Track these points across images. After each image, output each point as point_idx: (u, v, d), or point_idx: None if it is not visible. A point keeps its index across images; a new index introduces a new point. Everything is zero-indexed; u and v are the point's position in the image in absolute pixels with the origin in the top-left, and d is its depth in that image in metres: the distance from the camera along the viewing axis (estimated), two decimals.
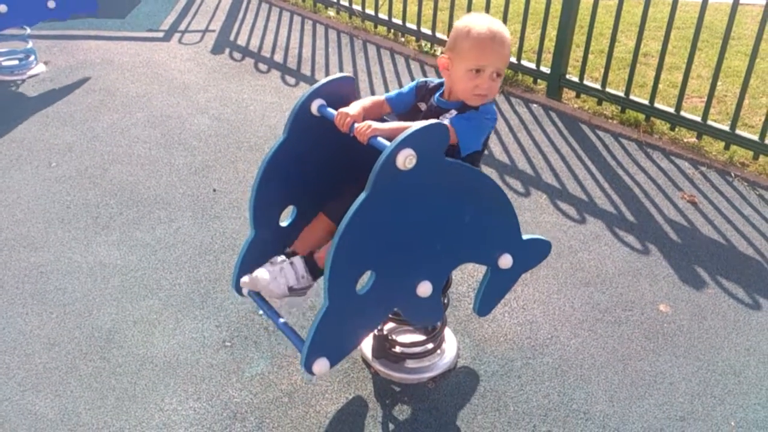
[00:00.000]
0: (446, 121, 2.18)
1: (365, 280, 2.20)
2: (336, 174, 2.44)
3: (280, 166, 2.36)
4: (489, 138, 2.35)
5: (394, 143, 1.97)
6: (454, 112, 2.26)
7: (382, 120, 2.35)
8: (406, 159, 1.98)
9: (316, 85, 2.32)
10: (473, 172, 2.21)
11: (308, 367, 2.21)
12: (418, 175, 2.04)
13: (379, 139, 2.11)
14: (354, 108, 2.27)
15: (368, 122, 2.16)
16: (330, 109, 2.29)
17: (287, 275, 2.35)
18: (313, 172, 2.43)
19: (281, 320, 2.44)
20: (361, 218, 2.03)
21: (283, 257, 2.45)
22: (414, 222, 2.15)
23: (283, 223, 2.49)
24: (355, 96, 2.40)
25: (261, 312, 2.94)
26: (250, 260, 2.48)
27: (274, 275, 2.33)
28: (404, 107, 2.42)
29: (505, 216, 2.37)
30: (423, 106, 2.38)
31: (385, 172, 1.99)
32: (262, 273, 2.33)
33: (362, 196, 2.01)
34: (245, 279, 2.43)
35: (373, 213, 2.04)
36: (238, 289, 2.52)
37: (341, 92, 2.36)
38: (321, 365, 2.22)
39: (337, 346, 2.26)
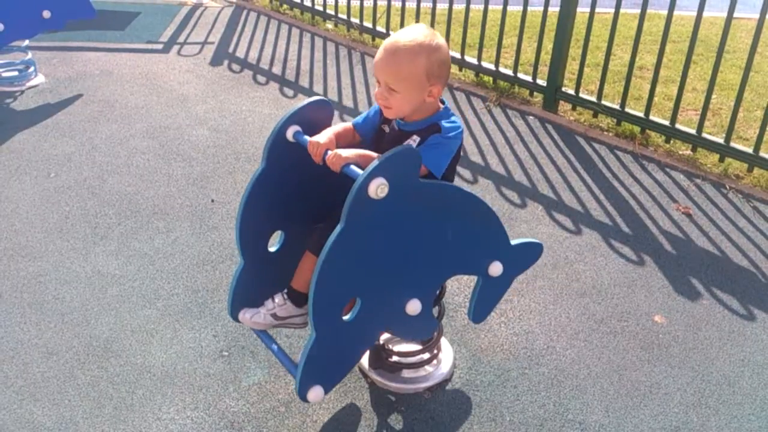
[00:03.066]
0: None
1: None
2: (320, 198, 2.43)
3: (262, 194, 2.35)
4: (461, 147, 2.30)
5: (365, 174, 1.96)
6: (416, 138, 2.21)
7: (359, 145, 2.33)
8: (378, 188, 1.97)
9: (290, 111, 2.30)
10: (449, 189, 2.19)
11: (303, 396, 2.23)
12: (393, 201, 2.02)
13: (352, 167, 2.09)
14: (324, 136, 2.23)
15: (337, 151, 2.13)
16: (306, 137, 2.26)
17: (275, 310, 2.41)
18: (296, 197, 2.42)
19: (275, 347, 2.47)
20: (339, 250, 2.02)
21: (281, 299, 2.48)
22: (394, 246, 2.14)
23: (272, 249, 2.50)
24: (332, 119, 2.38)
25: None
26: (243, 287, 2.49)
27: (261, 315, 2.40)
28: (372, 131, 2.38)
29: (488, 225, 2.36)
30: (386, 128, 2.34)
31: (358, 203, 1.98)
32: (246, 316, 2.42)
33: (338, 228, 2.01)
34: (246, 317, 2.50)
35: (350, 244, 2.04)
36: (234, 316, 2.54)
37: (317, 117, 2.33)
38: (315, 393, 2.24)
39: (329, 373, 2.28)
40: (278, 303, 2.48)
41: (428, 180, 2.14)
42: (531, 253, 2.61)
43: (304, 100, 2.34)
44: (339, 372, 2.34)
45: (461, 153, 2.33)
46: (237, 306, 2.52)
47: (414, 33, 2.15)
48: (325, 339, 2.15)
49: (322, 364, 2.21)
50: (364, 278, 2.14)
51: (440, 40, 2.19)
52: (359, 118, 2.41)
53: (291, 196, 2.41)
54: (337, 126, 2.35)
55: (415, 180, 2.07)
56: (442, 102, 2.29)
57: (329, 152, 2.16)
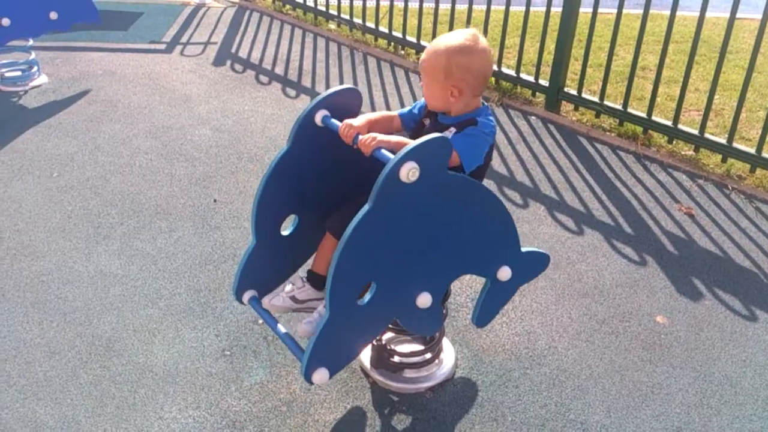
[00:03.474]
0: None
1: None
2: (338, 185, 2.47)
3: (283, 175, 2.38)
4: (492, 151, 2.37)
5: (398, 156, 1.99)
6: (453, 129, 2.29)
7: (398, 134, 2.39)
8: (410, 172, 2.00)
9: (321, 96, 2.34)
10: (474, 185, 2.23)
11: (308, 377, 2.23)
12: (421, 188, 2.05)
13: (383, 151, 2.13)
14: (359, 120, 2.30)
15: (372, 134, 2.18)
16: (334, 120, 2.31)
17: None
18: (315, 183, 2.45)
19: (281, 329, 2.46)
20: (364, 230, 2.05)
21: (300, 283, 2.49)
22: (416, 234, 2.17)
23: (285, 232, 2.52)
24: (360, 108, 2.43)
25: (261, 321, 2.96)
26: (251, 268, 2.51)
27: (315, 325, 2.36)
28: (413, 123, 2.46)
29: (504, 229, 2.39)
30: (427, 122, 2.41)
31: (389, 185, 2.01)
32: (306, 327, 2.39)
33: (365, 208, 2.03)
34: (266, 300, 2.51)
35: (375, 225, 2.06)
36: (239, 297, 2.55)
37: (346, 104, 2.38)
38: (321, 375, 2.24)
39: (336, 356, 2.28)
40: (297, 286, 2.51)
41: (456, 173, 2.17)
42: (538, 262, 2.63)
43: (334, 87, 2.38)
44: (345, 357, 2.34)
45: (492, 155, 2.37)
46: (243, 286, 2.52)
47: (453, 35, 2.29)
48: (338, 320, 2.16)
49: (330, 346, 2.22)
50: (383, 262, 2.16)
51: (478, 48, 2.26)
52: (405, 110, 2.49)
53: (311, 181, 2.44)
54: (374, 113, 2.40)
55: (444, 170, 2.10)
56: (484, 103, 2.38)
57: (361, 136, 2.20)
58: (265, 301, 2.52)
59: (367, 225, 2.04)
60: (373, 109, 4.89)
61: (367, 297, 2.20)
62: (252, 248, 2.47)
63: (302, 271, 2.62)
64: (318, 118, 2.33)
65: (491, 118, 2.33)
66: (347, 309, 2.17)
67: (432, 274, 2.30)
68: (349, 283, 2.13)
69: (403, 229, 2.13)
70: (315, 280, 2.51)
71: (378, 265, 2.16)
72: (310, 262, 2.62)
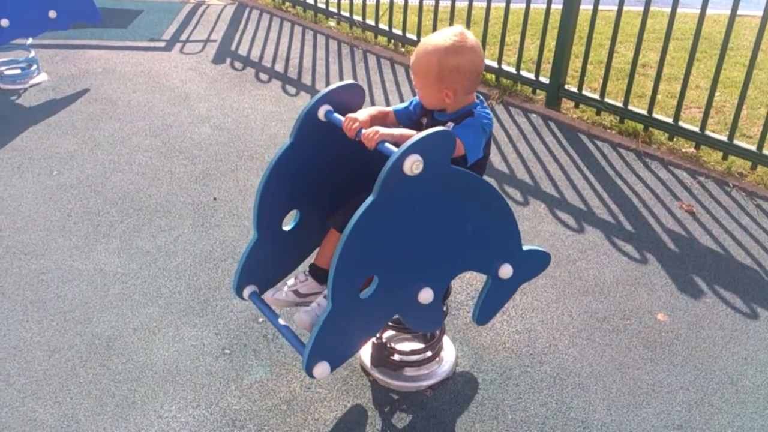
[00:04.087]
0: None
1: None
2: (340, 181, 2.47)
3: (285, 170, 2.38)
4: (490, 145, 2.37)
5: (402, 148, 2.00)
6: (451, 124, 2.29)
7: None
8: (413, 164, 2.00)
9: (324, 91, 2.34)
10: (477, 180, 2.23)
11: (309, 370, 2.22)
12: (424, 181, 2.06)
13: (387, 144, 2.14)
14: (362, 114, 2.30)
15: (376, 128, 2.19)
16: (337, 115, 2.31)
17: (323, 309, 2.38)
18: (317, 178, 2.45)
19: (282, 324, 2.45)
20: (367, 222, 2.04)
21: (303, 276, 2.49)
22: (418, 228, 2.17)
23: (286, 228, 2.51)
24: (363, 103, 2.43)
25: (261, 319, 2.95)
26: (252, 263, 2.50)
27: (314, 314, 2.38)
28: (408, 121, 2.46)
29: (506, 226, 2.39)
30: (425, 120, 2.42)
31: (392, 177, 2.01)
32: (303, 317, 2.38)
33: (369, 199, 2.03)
34: (268, 295, 2.50)
35: (378, 217, 2.06)
36: (240, 292, 2.55)
37: (349, 99, 2.38)
38: (322, 369, 2.24)
39: (338, 350, 2.28)
40: (300, 280, 2.52)
41: (460, 168, 2.17)
42: (539, 261, 2.62)
43: (336, 83, 2.38)
44: (346, 351, 2.33)
45: (488, 151, 2.38)
46: (243, 281, 2.52)
47: (440, 35, 2.27)
48: (340, 313, 2.15)
49: (332, 339, 2.22)
50: (385, 255, 2.15)
51: (467, 46, 2.25)
52: (399, 106, 2.49)
53: (313, 176, 2.44)
54: (372, 108, 2.40)
55: (447, 163, 2.10)
56: (479, 97, 2.38)
57: (364, 130, 2.20)
58: (268, 296, 2.51)
59: (371, 217, 2.04)
60: (373, 107, 4.88)
61: (369, 291, 2.19)
62: (253, 243, 2.47)
63: (304, 266, 2.61)
64: (321, 113, 2.33)
65: (487, 110, 2.34)
66: (349, 302, 2.17)
67: (434, 270, 2.30)
68: (352, 275, 2.13)
69: (406, 222, 2.14)
70: (318, 274, 2.51)
71: (380, 258, 2.15)
72: (311, 257, 2.62)
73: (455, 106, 2.32)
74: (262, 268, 2.52)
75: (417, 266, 2.25)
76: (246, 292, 2.54)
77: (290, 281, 2.54)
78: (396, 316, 2.36)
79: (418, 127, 2.40)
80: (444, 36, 2.25)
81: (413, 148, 2.00)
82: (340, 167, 2.44)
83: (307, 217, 2.51)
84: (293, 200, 2.48)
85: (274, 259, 2.54)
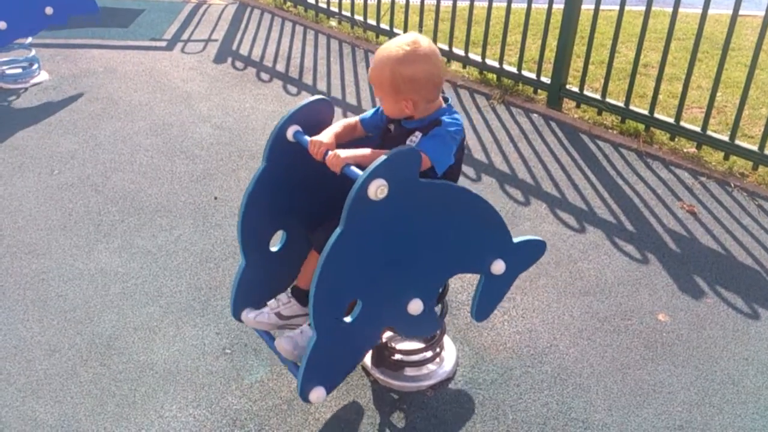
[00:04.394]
0: (416, 147, 2.16)
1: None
2: (321, 196, 2.43)
3: (263, 194, 2.35)
4: (463, 149, 2.32)
5: (364, 175, 1.95)
6: (418, 134, 2.23)
7: (361, 142, 2.34)
8: (378, 189, 1.96)
9: (290, 111, 2.30)
10: (449, 188, 2.19)
11: (305, 397, 2.23)
12: (393, 202, 2.02)
13: (352, 168, 2.09)
14: (326, 135, 2.24)
15: (337, 151, 2.14)
16: (306, 137, 2.26)
17: (307, 336, 2.35)
18: (298, 196, 2.42)
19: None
20: (339, 252, 2.02)
21: (285, 298, 2.47)
22: (395, 247, 2.14)
23: (274, 249, 2.50)
24: (332, 118, 2.38)
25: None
26: (245, 287, 2.49)
27: (296, 342, 2.35)
28: (376, 129, 2.41)
29: (490, 224, 2.35)
30: (392, 127, 2.36)
31: (358, 205, 1.98)
32: (284, 344, 2.35)
33: (337, 230, 2.00)
34: (250, 317, 2.48)
35: (350, 246, 2.03)
36: (237, 316, 2.54)
37: (317, 115, 2.34)
38: (317, 394, 2.24)
39: (331, 374, 2.27)
40: (283, 302, 2.48)
41: (429, 180, 2.13)
42: (534, 250, 2.60)
43: (304, 100, 2.35)
44: (341, 372, 2.33)
45: (465, 151, 2.32)
46: (240, 306, 2.52)
47: (393, 44, 2.19)
48: (326, 340, 2.14)
49: (323, 365, 2.21)
50: (364, 280, 2.13)
51: (419, 55, 2.16)
52: (366, 114, 2.43)
53: (293, 195, 2.41)
54: (338, 124, 2.35)
55: (414, 180, 2.06)
56: (446, 100, 2.31)
57: (329, 152, 2.16)
58: (250, 318, 2.47)
59: (342, 246, 2.01)
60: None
61: (353, 314, 2.17)
62: (243, 268, 2.46)
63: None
64: (289, 134, 2.30)
65: (456, 116, 2.27)
66: (334, 328, 2.15)
67: (419, 282, 2.27)
68: (331, 303, 2.11)
69: (381, 244, 2.10)
70: (300, 295, 2.48)
71: (359, 283, 2.13)
72: None
73: (421, 114, 2.26)
74: (256, 290, 2.51)
75: (401, 282, 2.22)
76: (244, 315, 2.53)
77: (272, 303, 2.49)
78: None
79: (385, 135, 2.36)
80: (397, 45, 2.17)
81: (376, 173, 1.95)
82: (318, 183, 2.39)
83: (293, 235, 2.49)
84: (276, 221, 2.45)
85: (267, 280, 2.52)
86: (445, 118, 2.23)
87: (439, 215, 2.18)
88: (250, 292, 2.50)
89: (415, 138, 2.23)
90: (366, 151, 2.17)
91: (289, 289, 2.52)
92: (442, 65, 2.27)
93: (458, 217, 2.24)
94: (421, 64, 2.16)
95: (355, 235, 2.02)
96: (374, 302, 2.18)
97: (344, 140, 2.29)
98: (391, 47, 2.18)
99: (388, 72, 2.16)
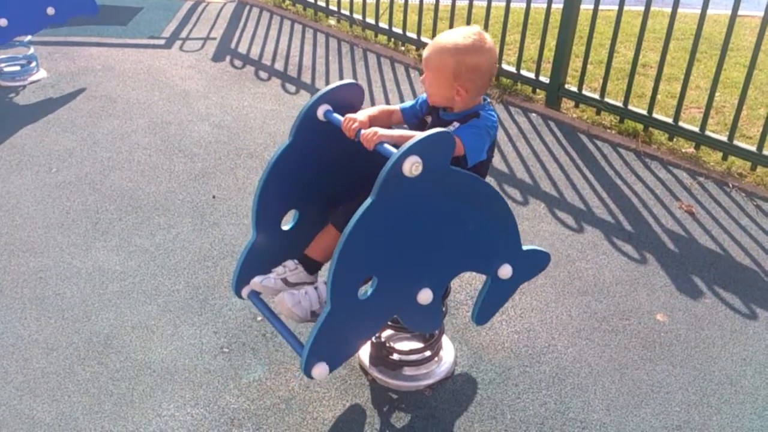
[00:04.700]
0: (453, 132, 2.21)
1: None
2: (340, 180, 2.46)
3: (284, 170, 2.37)
4: (494, 147, 2.37)
5: (401, 150, 1.99)
6: (456, 124, 2.29)
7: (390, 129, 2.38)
8: (413, 166, 2.00)
9: (323, 91, 2.33)
10: (477, 181, 2.22)
11: (308, 371, 2.22)
12: (424, 182, 2.05)
13: (386, 145, 2.13)
14: (362, 114, 2.30)
15: (375, 128, 2.18)
16: (336, 115, 2.30)
17: (311, 299, 2.36)
18: (316, 178, 2.44)
19: (280, 325, 2.45)
20: (366, 223, 2.04)
21: (293, 265, 2.47)
22: (418, 229, 2.17)
23: (285, 227, 2.51)
24: (362, 103, 2.42)
25: (260, 318, 2.95)
26: (251, 263, 2.50)
27: (298, 299, 2.35)
28: (414, 119, 2.45)
29: (506, 226, 2.38)
30: (429, 119, 2.41)
31: (391, 179, 2.00)
32: (286, 297, 2.34)
33: (368, 201, 2.03)
34: (257, 281, 2.44)
35: (377, 218, 2.05)
36: (238, 292, 2.54)
37: (348, 98, 2.37)
38: (320, 370, 2.23)
39: (336, 351, 2.27)
40: (290, 268, 2.47)
41: (460, 169, 2.16)
42: (539, 261, 2.62)
43: (336, 82, 2.37)
44: (345, 352, 2.33)
45: (494, 152, 2.37)
46: (242, 282, 2.51)
47: (458, 33, 2.28)
48: (339, 314, 2.15)
49: (330, 340, 2.21)
50: (385, 255, 2.15)
51: (485, 47, 2.26)
52: (406, 104, 2.48)
53: (313, 175, 2.43)
54: (374, 108, 2.39)
55: (447, 165, 2.09)
56: (486, 99, 2.38)
57: (363, 130, 2.19)
58: (256, 282, 2.45)
59: (370, 218, 2.04)
60: (371, 105, 4.87)
61: (368, 291, 2.19)
62: (252, 243, 2.46)
63: None
64: (320, 112, 2.33)
65: (493, 112, 2.33)
66: (348, 302, 2.16)
67: (433, 270, 2.29)
68: (351, 276, 2.12)
69: (405, 223, 2.13)
70: (308, 264, 2.48)
71: (379, 259, 2.15)
72: None
73: (463, 106, 2.32)
74: (260, 267, 2.51)
75: (416, 267, 2.24)
76: (245, 291, 2.53)
77: (279, 269, 2.48)
78: (394, 316, 2.36)
79: (422, 126, 2.40)
80: (464, 34, 2.26)
81: (412, 150, 1.99)
82: (339, 167, 2.43)
83: (305, 216, 2.51)
84: (292, 200, 2.47)
85: (273, 258, 2.53)
86: (483, 113, 2.30)
87: (462, 206, 2.21)
88: (254, 269, 2.49)
89: (452, 128, 2.27)
90: (401, 131, 2.22)
91: (297, 258, 2.52)
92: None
93: (480, 213, 2.26)
94: (485, 55, 2.26)
95: (384, 208, 2.04)
96: (389, 282, 2.20)
97: (378, 124, 2.32)
98: (457, 36, 2.26)
99: (453, 59, 2.24)
